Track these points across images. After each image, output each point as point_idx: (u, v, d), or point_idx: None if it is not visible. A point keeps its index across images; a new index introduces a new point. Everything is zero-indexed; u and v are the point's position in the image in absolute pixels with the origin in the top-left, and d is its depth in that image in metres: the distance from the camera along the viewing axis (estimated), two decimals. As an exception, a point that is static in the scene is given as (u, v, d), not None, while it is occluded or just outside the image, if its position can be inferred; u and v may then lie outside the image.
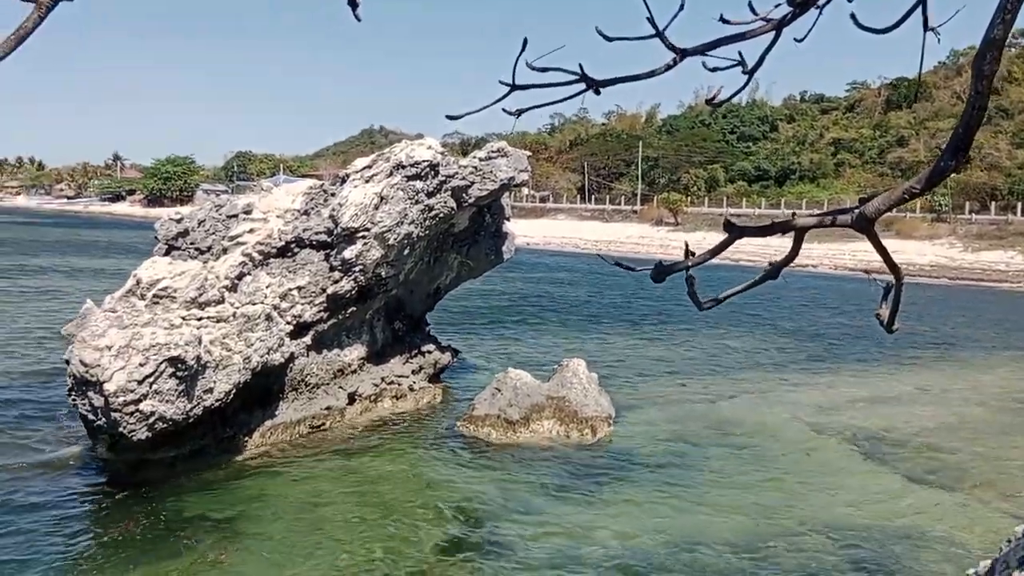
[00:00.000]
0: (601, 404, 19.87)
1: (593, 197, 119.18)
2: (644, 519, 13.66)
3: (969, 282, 62.17)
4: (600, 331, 34.02)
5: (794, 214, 4.77)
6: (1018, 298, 54.07)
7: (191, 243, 19.04)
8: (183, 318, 15.31)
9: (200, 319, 15.74)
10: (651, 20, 3.20)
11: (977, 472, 16.72)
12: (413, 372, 21.93)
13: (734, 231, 4.27)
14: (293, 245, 18.68)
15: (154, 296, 15.51)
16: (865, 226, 3.77)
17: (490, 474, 15.90)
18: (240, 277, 17.70)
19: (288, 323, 17.86)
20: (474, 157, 22.15)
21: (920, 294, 48.97)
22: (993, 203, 79.48)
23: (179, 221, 19.53)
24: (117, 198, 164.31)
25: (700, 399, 22.80)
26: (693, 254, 4.62)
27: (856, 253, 67.97)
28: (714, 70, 3.33)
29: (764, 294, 45.75)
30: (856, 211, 3.72)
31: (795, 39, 3.32)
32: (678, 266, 4.79)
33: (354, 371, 20.13)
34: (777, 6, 3.18)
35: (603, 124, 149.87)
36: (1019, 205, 77.19)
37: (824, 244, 71.71)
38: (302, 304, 18.23)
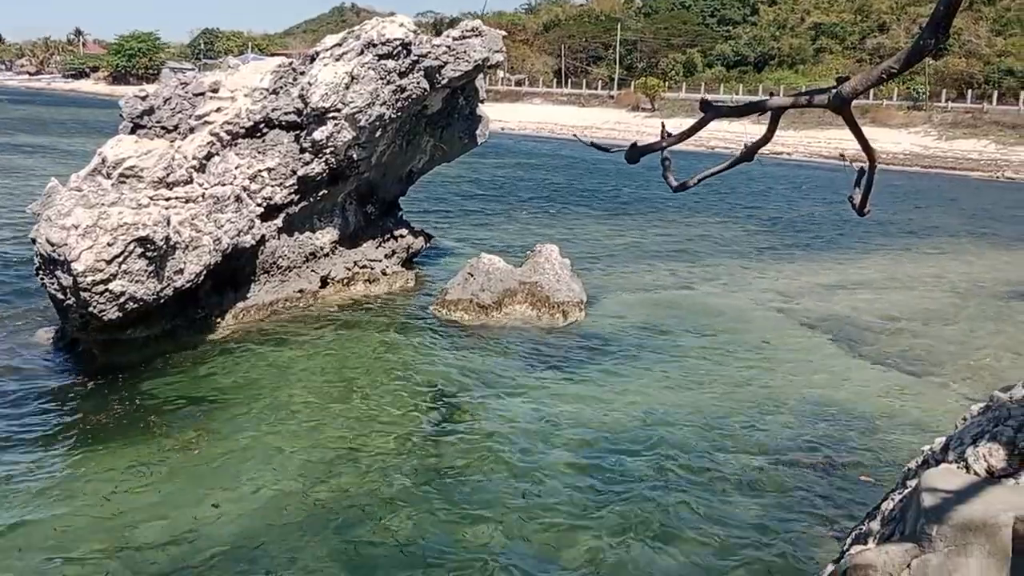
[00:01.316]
0: (573, 289, 20.00)
1: (570, 81, 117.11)
2: (614, 400, 13.94)
3: (942, 171, 62.45)
4: (575, 217, 34.03)
5: (771, 94, 4.67)
6: (989, 187, 54.51)
7: (157, 121, 18.56)
8: (151, 198, 15.07)
9: (168, 199, 15.51)
10: None
11: (941, 357, 17.15)
12: (386, 256, 21.88)
13: (710, 111, 4.19)
14: (262, 125, 18.29)
15: (120, 175, 15.22)
16: (841, 106, 3.71)
17: (462, 356, 16.09)
18: (208, 157, 17.37)
19: (258, 205, 17.66)
20: (448, 36, 21.56)
21: (893, 182, 49.18)
22: (970, 91, 79.04)
23: (144, 99, 18.96)
24: (81, 75, 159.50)
25: (672, 285, 23.03)
26: (669, 135, 4.53)
27: (832, 140, 67.78)
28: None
29: (740, 183, 45.77)
30: (833, 91, 3.65)
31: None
32: (653, 147, 4.72)
33: (326, 254, 20.05)
34: None
35: (581, 5, 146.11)
36: (995, 94, 76.84)
37: (801, 131, 71.40)
38: (272, 186, 17.99)
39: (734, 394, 14.49)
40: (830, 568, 4.44)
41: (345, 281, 20.40)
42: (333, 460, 11.04)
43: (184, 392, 13.52)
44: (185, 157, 16.70)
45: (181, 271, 14.86)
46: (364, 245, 21.35)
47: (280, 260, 18.57)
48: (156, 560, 8.57)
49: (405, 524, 9.39)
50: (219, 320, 16.98)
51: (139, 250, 13.88)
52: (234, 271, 17.20)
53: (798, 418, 13.45)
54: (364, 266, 20.99)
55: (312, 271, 19.51)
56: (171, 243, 14.54)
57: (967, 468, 4.40)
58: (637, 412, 13.37)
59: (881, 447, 12.40)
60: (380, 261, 21.50)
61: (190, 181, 16.41)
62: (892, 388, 15.20)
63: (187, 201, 15.89)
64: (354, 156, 19.12)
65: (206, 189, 16.51)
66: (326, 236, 19.98)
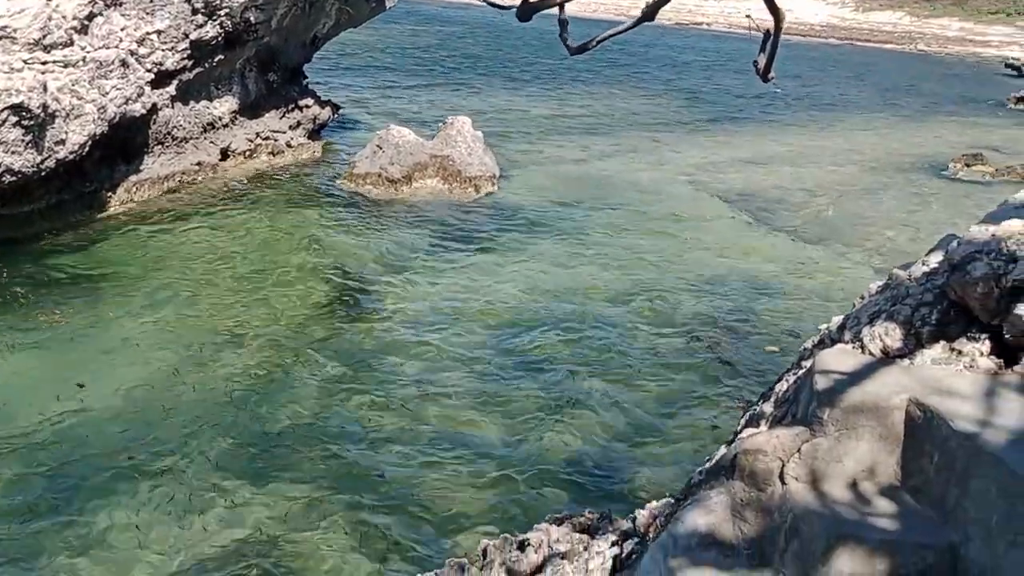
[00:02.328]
0: (486, 163, 19.52)
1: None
2: (523, 276, 13.74)
3: (857, 42, 62.64)
4: (490, 88, 33.06)
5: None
6: (903, 58, 54.93)
7: (31, -22, 17.00)
8: (25, 62, 13.87)
9: (45, 63, 14.30)
10: None
11: (851, 230, 17.36)
12: (291, 127, 20.93)
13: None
14: (149, -17, 16.93)
15: (-11, 37, 13.94)
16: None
17: (369, 232, 15.62)
18: (90, 18, 16.00)
19: (148, 71, 16.48)
20: None
21: (809, 54, 49.12)
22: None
23: (15, -49, 17.31)
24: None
25: (586, 158, 22.69)
26: (560, -11, 4.07)
27: (753, 11, 66.93)
28: None
29: (659, 54, 45.07)
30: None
31: None
32: (547, 3, 4.27)
33: (226, 125, 19.02)
34: None
35: None
36: (914, -35, 76.68)
37: (721, 1, 70.43)
38: (163, 50, 16.78)
39: (644, 268, 14.43)
40: (722, 450, 4.31)
41: (247, 153, 19.48)
42: (222, 343, 10.54)
43: (66, 269, 12.73)
44: (64, 17, 15.34)
45: (63, 142, 13.86)
46: (266, 115, 20.33)
47: (175, 131, 17.54)
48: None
49: (297, 408, 9.07)
50: (110, 195, 16.04)
51: (14, 118, 12.84)
52: (124, 142, 16.17)
53: (708, 291, 13.49)
54: (267, 137, 20.05)
55: (210, 143, 18.52)
56: (49, 111, 13.48)
57: (862, 348, 4.26)
58: (547, 288, 13.22)
59: (788, 319, 12.54)
60: (284, 132, 20.56)
61: (70, 44, 15.13)
62: (802, 261, 15.34)
63: (66, 65, 14.69)
64: (251, 19, 17.94)
65: (88, 52, 15.28)
66: (224, 105, 18.91)
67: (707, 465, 4.15)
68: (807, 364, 4.45)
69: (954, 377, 3.95)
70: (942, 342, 4.20)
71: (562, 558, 4.63)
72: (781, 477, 3.79)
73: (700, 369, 10.68)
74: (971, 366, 4.02)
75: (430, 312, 12.08)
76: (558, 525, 5.46)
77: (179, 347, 10.20)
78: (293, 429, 8.57)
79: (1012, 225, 4.02)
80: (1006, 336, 3.99)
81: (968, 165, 23.08)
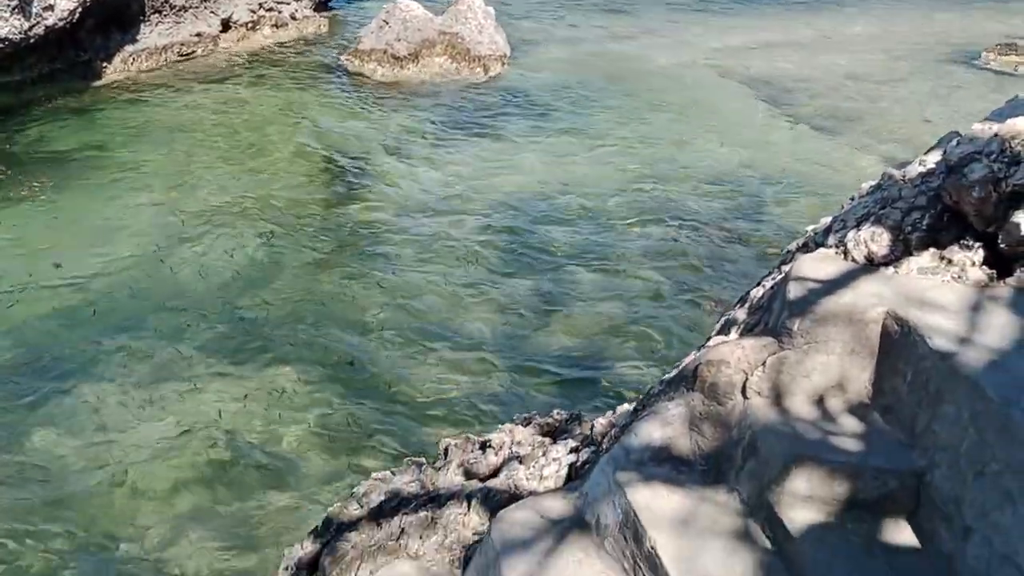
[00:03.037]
0: (496, 42, 18.79)
1: None
2: (529, 162, 13.31)
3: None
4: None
5: None
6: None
7: None
8: (10, -78, 13.24)
9: (32, -76, 13.66)
10: None
11: (870, 120, 16.66)
12: (296, -2, 20.17)
13: None
14: None
15: None
16: None
17: (372, 111, 15.15)
18: None
19: (143, -66, 15.79)
20: None
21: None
22: None
23: None
24: None
25: (601, 39, 21.79)
26: None
27: None
28: None
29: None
30: None
31: None
32: None
33: (227, -6, 18.33)
34: None
35: None
36: None
37: None
38: (158, -88, 16.02)
39: (654, 159, 13.93)
40: (691, 356, 4.05)
41: (249, 25, 18.81)
42: (209, 222, 10.24)
43: (55, 141, 12.38)
44: None
45: (51, 7, 13.34)
46: (270, -15, 19.57)
47: (173, -1, 16.90)
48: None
49: (279, 291, 8.84)
50: (106, 65, 15.57)
51: (-2, -18, 12.34)
52: (119, 10, 15.60)
53: (717, 185, 13.03)
54: (271, 8, 19.32)
55: (211, 12, 17.86)
56: (36, -25, 12.95)
57: (845, 254, 3.94)
58: (550, 179, 12.79)
59: (795, 217, 12.12)
60: (289, 4, 19.79)
61: (59, -98, 14.44)
62: (819, 153, 14.76)
63: (55, -74, 14.04)
64: None
65: (78, -87, 14.58)
66: (225, -27, 18.17)
67: (669, 375, 3.90)
68: (786, 269, 4.14)
69: (939, 289, 3.64)
70: (932, 250, 3.87)
71: (520, 462, 4.45)
72: (743, 391, 3.54)
73: (698, 270, 10.28)
74: (960, 277, 3.70)
75: (428, 198, 11.75)
76: (524, 426, 5.29)
77: (163, 226, 9.96)
78: (271, 312, 8.38)
79: (1018, 124, 3.62)
80: (1001, 245, 3.65)
81: (1002, 55, 22.00)
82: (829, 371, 3.49)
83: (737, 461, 3.45)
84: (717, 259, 10.55)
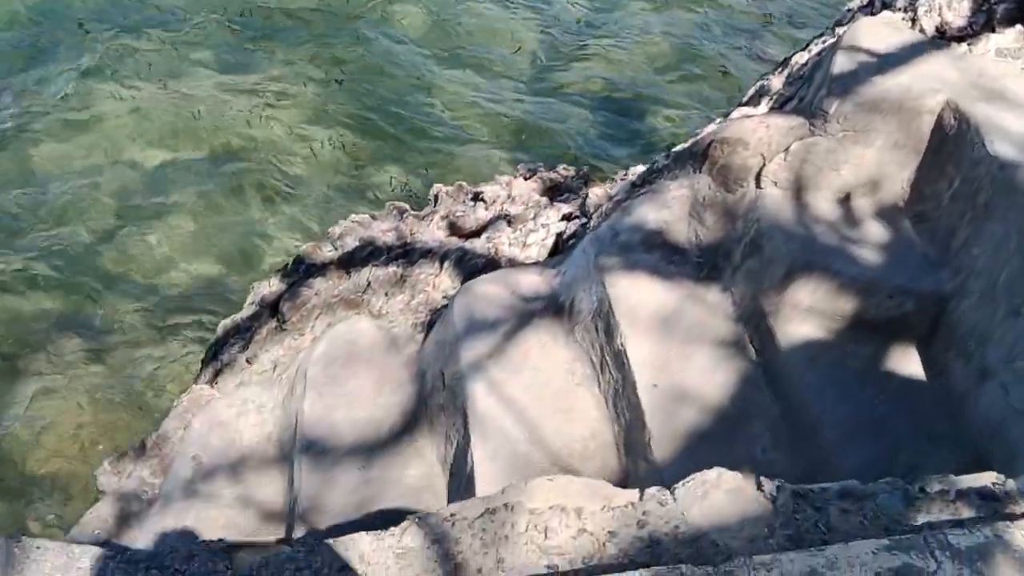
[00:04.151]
0: None
1: None
2: None
3: None
4: None
5: None
6: None
7: None
8: None
9: None
10: None
11: None
12: None
13: None
14: None
15: None
16: None
17: None
18: None
19: None
20: None
21: None
22: None
23: None
24: None
25: None
26: None
27: None
28: None
29: None
30: None
31: None
32: None
33: None
34: None
35: None
36: None
37: None
38: None
39: None
40: (709, 128, 3.49)
41: None
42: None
43: None
44: None
45: None
46: None
47: None
48: None
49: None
50: None
51: None
52: None
53: None
54: None
55: None
56: None
57: (913, 22, 3.25)
58: None
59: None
60: None
61: None
62: None
63: None
64: None
65: None
66: None
67: (679, 147, 3.37)
68: (840, 32, 3.47)
69: (1018, 79, 3.00)
70: (1020, 27, 3.18)
71: (508, 223, 4.04)
72: (758, 179, 3.02)
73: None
74: (1047, 66, 3.04)
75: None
76: (526, 179, 4.83)
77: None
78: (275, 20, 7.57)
79: None
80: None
81: None
82: (863, 166, 2.95)
83: (736, 258, 3.01)
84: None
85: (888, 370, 2.73)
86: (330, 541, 1.52)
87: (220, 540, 1.61)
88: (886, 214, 2.97)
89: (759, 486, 1.61)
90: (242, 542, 1.59)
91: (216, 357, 4.19)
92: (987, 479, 1.66)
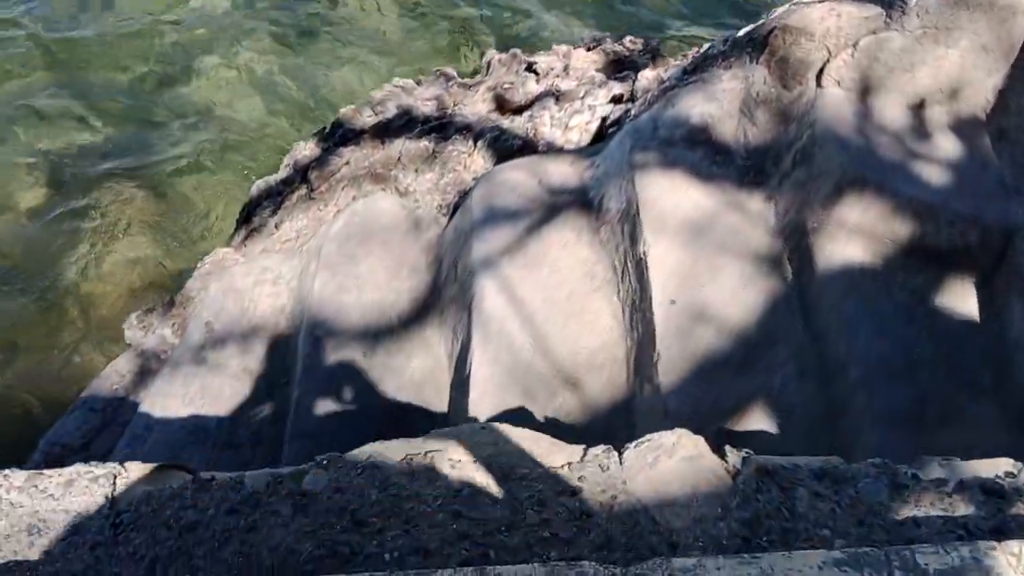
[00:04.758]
0: None
1: None
2: None
3: None
4: None
5: None
6: None
7: None
8: None
9: None
10: None
11: None
12: None
13: None
14: None
15: None
16: None
17: None
18: None
19: None
20: None
21: None
22: None
23: None
24: None
25: None
26: None
27: None
28: None
29: None
30: None
31: None
32: None
33: None
34: None
35: None
36: None
37: None
38: None
39: None
40: (774, 13, 3.10)
41: None
42: None
43: None
44: None
45: None
46: None
47: None
48: None
49: None
50: None
51: None
52: None
53: None
54: None
55: None
56: None
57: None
58: None
59: None
60: None
61: None
62: None
63: None
64: None
65: None
66: None
67: (737, 32, 3.00)
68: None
69: None
70: None
71: (555, 100, 3.74)
72: (819, 76, 2.67)
73: None
74: None
75: None
76: (588, 50, 4.48)
77: None
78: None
79: None
80: None
81: None
82: (943, 70, 2.58)
83: (786, 165, 2.70)
84: None
85: (937, 307, 2.44)
86: (225, 477, 1.38)
87: (119, 464, 1.48)
88: (963, 128, 2.60)
89: (721, 455, 1.41)
90: (155, 466, 1.47)
91: (249, 219, 4.08)
92: (1000, 467, 1.42)
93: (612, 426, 2.46)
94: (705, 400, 2.35)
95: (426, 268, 3.14)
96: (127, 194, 5.53)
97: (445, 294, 2.99)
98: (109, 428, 3.38)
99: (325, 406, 2.79)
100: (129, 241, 5.30)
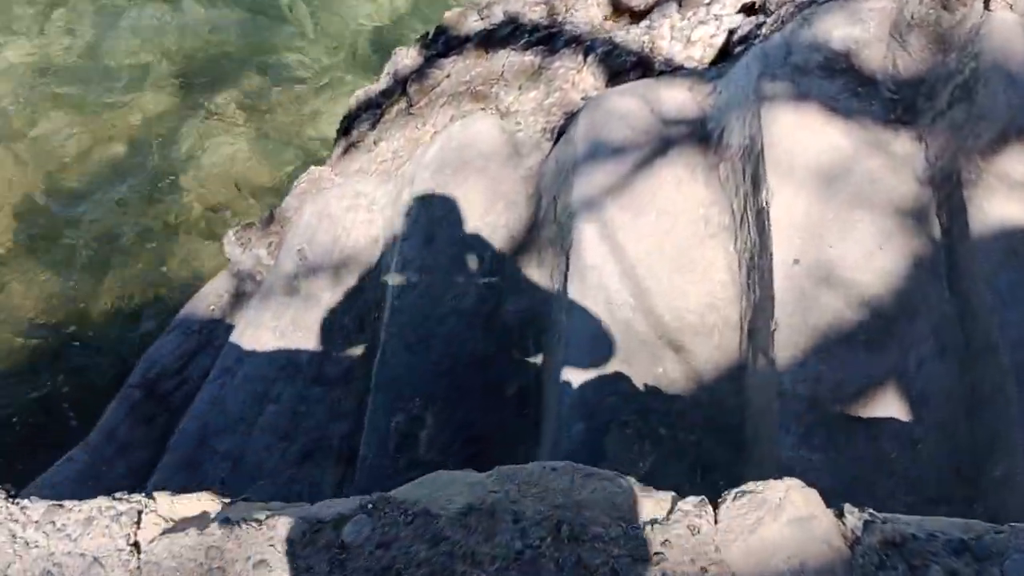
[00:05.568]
0: None
1: None
2: None
3: None
4: None
5: None
6: None
7: None
8: None
9: None
10: None
11: None
12: None
13: None
14: None
15: None
16: None
17: None
18: None
19: None
20: None
21: None
22: None
23: None
24: None
25: None
26: None
27: None
28: None
29: None
30: None
31: None
32: None
33: None
34: None
35: None
36: None
37: None
38: None
39: None
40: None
41: None
42: None
43: None
44: None
45: None
46: None
47: None
48: None
49: None
50: None
51: None
52: None
53: None
54: None
55: None
56: None
57: None
58: None
59: None
60: None
61: None
62: None
63: None
64: None
65: None
66: None
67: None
68: None
69: None
70: None
71: (679, 5, 3.35)
72: (990, -4, 2.25)
73: None
74: None
75: None
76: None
77: None
78: None
79: None
80: None
81: None
82: None
83: (942, 102, 2.32)
84: None
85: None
86: (255, 516, 1.22)
87: (145, 497, 1.34)
88: None
89: (839, 516, 1.17)
90: (184, 499, 1.32)
91: (348, 131, 3.91)
92: None
93: (719, 400, 2.23)
94: (827, 380, 2.07)
95: (525, 202, 2.90)
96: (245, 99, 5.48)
97: (543, 234, 2.75)
98: (205, 351, 3.35)
99: (410, 352, 2.64)
100: (236, 137, 5.27)
